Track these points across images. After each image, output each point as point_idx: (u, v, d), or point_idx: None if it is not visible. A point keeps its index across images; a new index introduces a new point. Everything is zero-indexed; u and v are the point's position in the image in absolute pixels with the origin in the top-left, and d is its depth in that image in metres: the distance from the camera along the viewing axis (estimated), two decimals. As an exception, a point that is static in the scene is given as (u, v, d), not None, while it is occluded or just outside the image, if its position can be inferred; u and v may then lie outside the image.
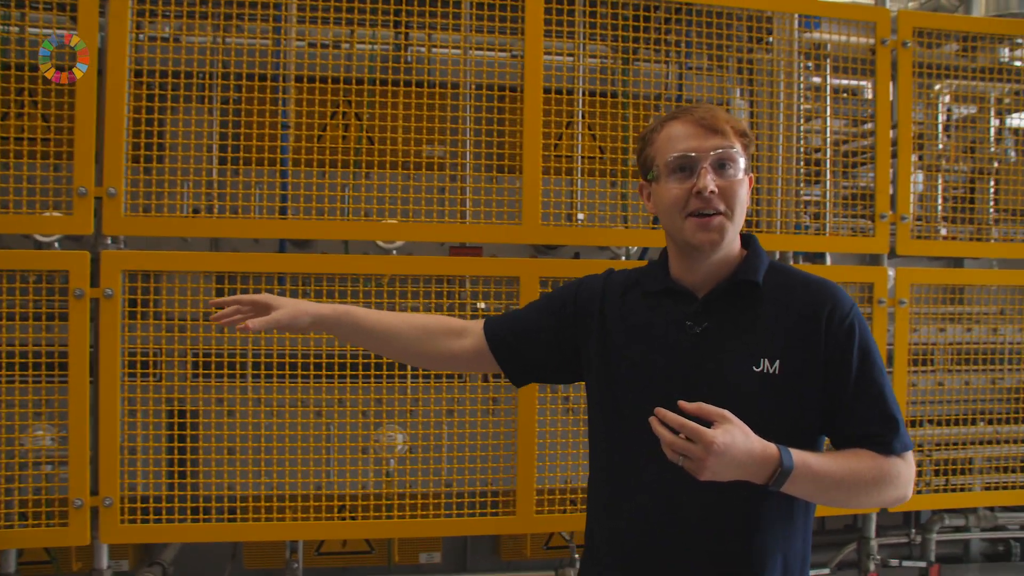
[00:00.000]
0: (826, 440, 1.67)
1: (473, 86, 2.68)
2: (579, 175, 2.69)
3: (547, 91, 2.63)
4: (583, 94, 2.72)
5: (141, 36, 2.60)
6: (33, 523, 2.46)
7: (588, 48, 2.76)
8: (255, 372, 2.59)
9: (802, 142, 2.88)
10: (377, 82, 2.59)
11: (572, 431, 2.67)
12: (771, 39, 2.82)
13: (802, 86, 2.86)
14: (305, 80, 2.63)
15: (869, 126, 2.92)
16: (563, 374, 1.86)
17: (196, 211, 2.58)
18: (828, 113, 2.88)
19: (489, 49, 2.71)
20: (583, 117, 2.73)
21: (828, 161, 2.88)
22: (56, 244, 2.54)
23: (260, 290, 2.56)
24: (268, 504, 2.56)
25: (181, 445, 2.57)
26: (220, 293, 2.61)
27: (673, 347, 1.61)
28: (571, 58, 2.70)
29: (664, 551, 1.60)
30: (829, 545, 3.27)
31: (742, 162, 1.57)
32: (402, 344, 1.82)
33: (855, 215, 3.03)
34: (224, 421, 2.55)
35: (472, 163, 2.67)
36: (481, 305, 2.64)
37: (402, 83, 2.59)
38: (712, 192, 1.52)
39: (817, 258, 2.90)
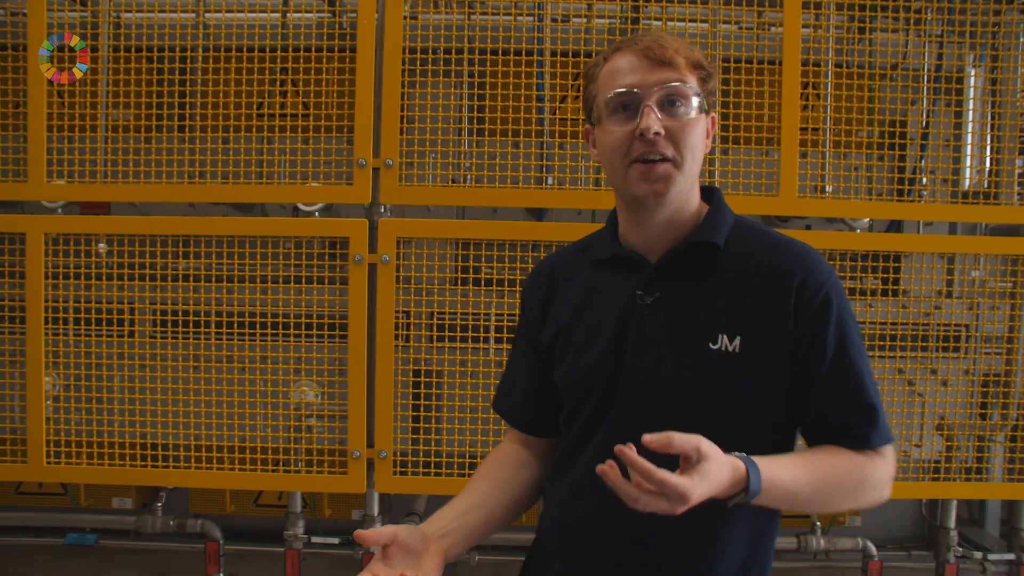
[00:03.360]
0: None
1: (721, 58, 2.72)
2: (828, 147, 2.71)
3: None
4: (815, 65, 2.71)
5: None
6: (317, 470, 2.67)
7: (827, 19, 2.75)
8: (498, 336, 2.72)
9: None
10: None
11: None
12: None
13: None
14: (547, 53, 2.70)
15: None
16: None
17: (455, 181, 2.71)
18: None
19: (725, 22, 2.74)
20: (823, 89, 2.72)
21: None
22: (316, 213, 2.71)
23: (504, 257, 2.67)
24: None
25: (427, 403, 2.71)
26: (465, 259, 2.73)
27: (620, 322, 1.40)
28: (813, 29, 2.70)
29: (607, 540, 1.41)
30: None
31: (695, 100, 1.33)
32: (527, 486, 1.57)
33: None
34: (467, 382, 2.69)
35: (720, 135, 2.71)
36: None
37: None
38: (657, 134, 1.29)
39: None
